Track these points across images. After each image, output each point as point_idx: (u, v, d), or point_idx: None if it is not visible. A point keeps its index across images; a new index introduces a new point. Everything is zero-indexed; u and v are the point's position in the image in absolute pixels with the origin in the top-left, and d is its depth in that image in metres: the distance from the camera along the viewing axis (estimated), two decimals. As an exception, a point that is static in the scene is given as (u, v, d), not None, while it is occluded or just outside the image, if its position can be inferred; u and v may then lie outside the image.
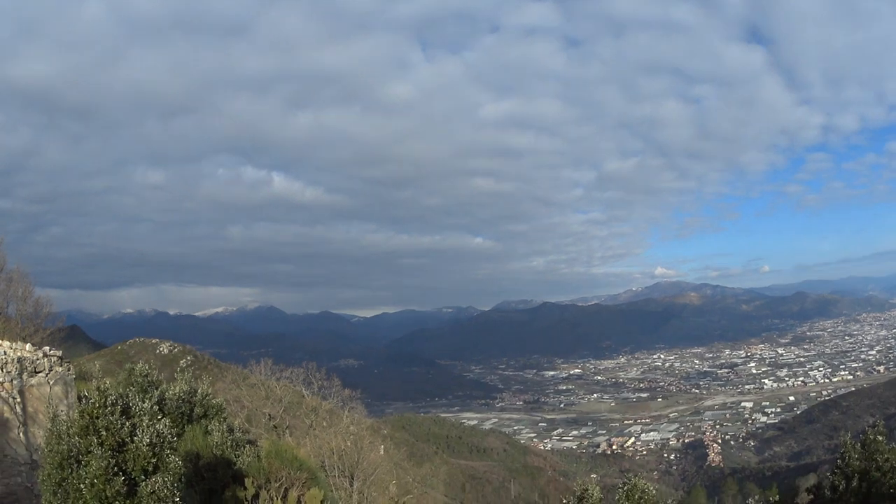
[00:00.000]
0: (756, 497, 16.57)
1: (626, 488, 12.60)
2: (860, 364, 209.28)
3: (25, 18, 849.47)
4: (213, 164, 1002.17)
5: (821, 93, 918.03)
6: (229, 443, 14.96)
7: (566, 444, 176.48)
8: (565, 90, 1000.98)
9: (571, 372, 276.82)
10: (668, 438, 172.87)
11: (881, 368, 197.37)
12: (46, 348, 12.64)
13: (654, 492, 12.55)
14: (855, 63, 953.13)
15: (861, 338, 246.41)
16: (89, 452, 8.05)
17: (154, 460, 8.47)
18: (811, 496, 17.03)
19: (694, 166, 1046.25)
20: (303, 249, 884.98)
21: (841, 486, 14.44)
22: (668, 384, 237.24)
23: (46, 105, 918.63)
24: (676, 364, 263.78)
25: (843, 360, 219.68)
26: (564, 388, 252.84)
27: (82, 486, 7.88)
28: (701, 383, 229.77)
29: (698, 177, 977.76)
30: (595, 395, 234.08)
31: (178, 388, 16.06)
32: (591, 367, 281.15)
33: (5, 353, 11.51)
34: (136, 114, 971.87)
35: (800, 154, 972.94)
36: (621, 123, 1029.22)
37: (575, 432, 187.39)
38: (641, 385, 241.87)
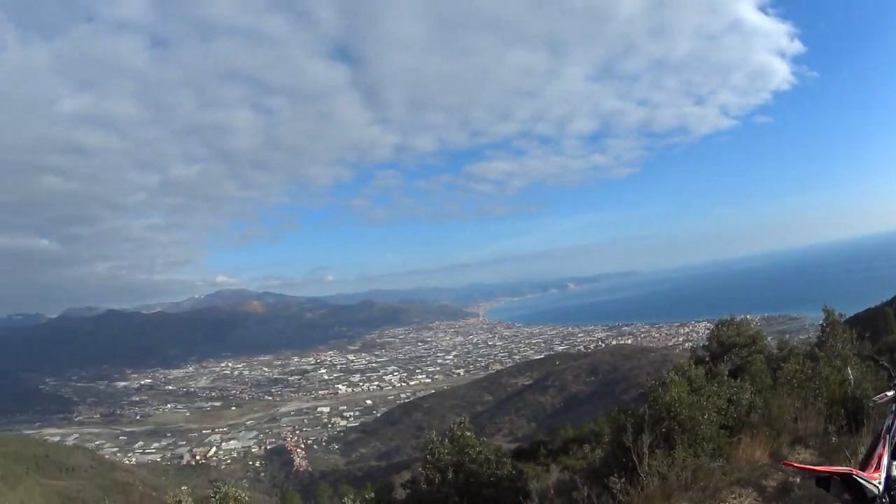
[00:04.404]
0: (351, 496, 17.69)
1: (217, 497, 13.49)
2: (438, 368, 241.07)
3: None
4: None
5: (400, 114, 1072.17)
6: None
7: (150, 456, 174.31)
8: (142, 90, 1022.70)
9: (142, 382, 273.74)
10: (250, 446, 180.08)
11: (461, 371, 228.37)
12: None
13: (246, 499, 13.61)
14: (442, 90, 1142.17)
15: (436, 344, 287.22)
16: None
17: None
18: (408, 491, 19.71)
19: (258, 176, 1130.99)
20: None
21: (437, 479, 16.38)
22: (240, 392, 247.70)
23: None
24: (245, 372, 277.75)
25: (418, 364, 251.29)
26: (138, 399, 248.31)
27: None
28: (273, 390, 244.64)
29: (262, 187, 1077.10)
30: (169, 406, 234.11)
31: None
32: (161, 376, 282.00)
33: None
34: None
35: (369, 170, 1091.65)
36: (190, 128, 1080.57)
37: (156, 444, 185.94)
38: (213, 394, 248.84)
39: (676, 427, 9.26)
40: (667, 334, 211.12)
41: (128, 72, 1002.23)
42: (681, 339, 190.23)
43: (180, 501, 13.28)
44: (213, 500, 13.09)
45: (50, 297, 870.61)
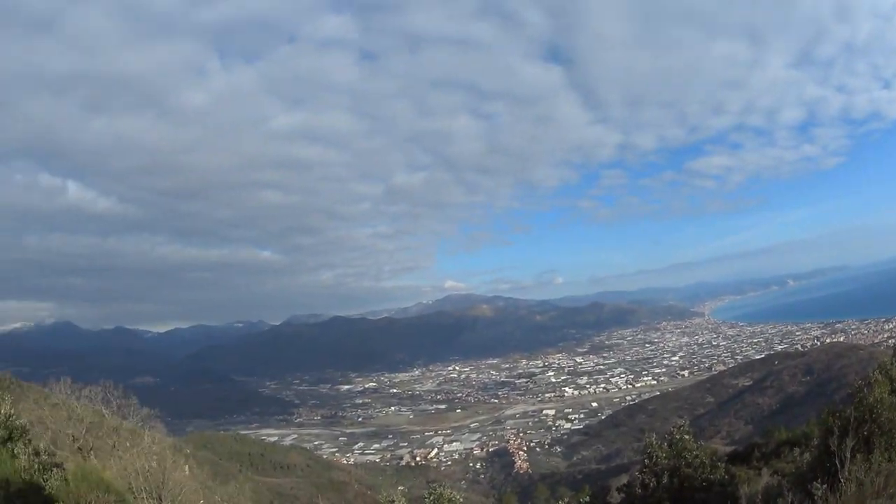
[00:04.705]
0: (567, 499, 18.06)
1: (431, 498, 13.88)
2: (664, 370, 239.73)
3: None
4: (10, 169, 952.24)
5: (619, 112, 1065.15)
6: (37, 466, 16.28)
7: (369, 457, 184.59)
8: (356, 103, 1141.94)
9: (366, 385, 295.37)
10: (472, 448, 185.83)
11: (685, 373, 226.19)
12: None
13: (460, 500, 14.07)
14: (656, 86, 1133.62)
15: (662, 345, 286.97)
16: None
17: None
18: (623, 495, 20.01)
19: (484, 181, 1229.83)
20: (96, 262, 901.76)
21: (652, 484, 16.64)
22: (466, 395, 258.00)
23: None
24: (472, 375, 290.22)
25: (645, 366, 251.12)
26: (361, 401, 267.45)
27: None
28: (499, 393, 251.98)
29: (488, 191, 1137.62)
30: (393, 408, 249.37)
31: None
32: (386, 380, 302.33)
33: None
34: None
35: (594, 170, 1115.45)
36: (411, 137, 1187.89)
37: (377, 445, 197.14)
38: (438, 397, 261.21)
39: (876, 429, 8.89)
40: (874, 330, 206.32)
41: (339, 86, 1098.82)
42: (885, 335, 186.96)
43: (393, 501, 14.86)
44: (427, 500, 14.33)
45: (273, 306, 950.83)
